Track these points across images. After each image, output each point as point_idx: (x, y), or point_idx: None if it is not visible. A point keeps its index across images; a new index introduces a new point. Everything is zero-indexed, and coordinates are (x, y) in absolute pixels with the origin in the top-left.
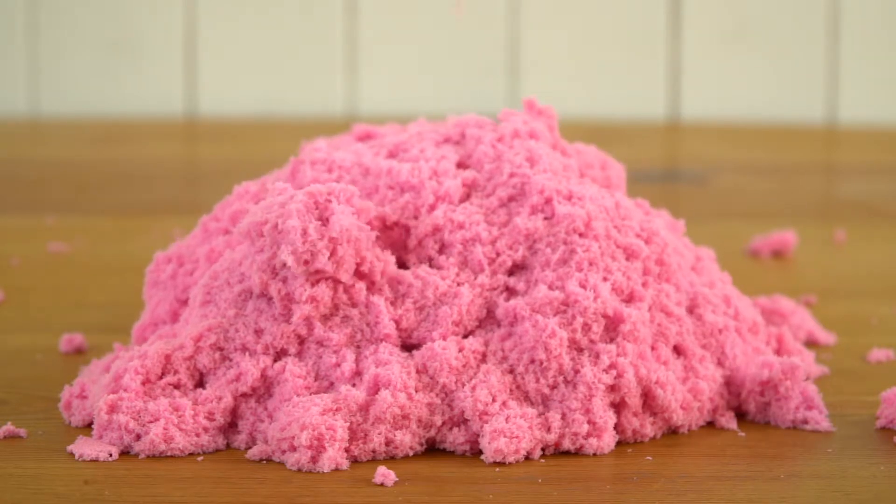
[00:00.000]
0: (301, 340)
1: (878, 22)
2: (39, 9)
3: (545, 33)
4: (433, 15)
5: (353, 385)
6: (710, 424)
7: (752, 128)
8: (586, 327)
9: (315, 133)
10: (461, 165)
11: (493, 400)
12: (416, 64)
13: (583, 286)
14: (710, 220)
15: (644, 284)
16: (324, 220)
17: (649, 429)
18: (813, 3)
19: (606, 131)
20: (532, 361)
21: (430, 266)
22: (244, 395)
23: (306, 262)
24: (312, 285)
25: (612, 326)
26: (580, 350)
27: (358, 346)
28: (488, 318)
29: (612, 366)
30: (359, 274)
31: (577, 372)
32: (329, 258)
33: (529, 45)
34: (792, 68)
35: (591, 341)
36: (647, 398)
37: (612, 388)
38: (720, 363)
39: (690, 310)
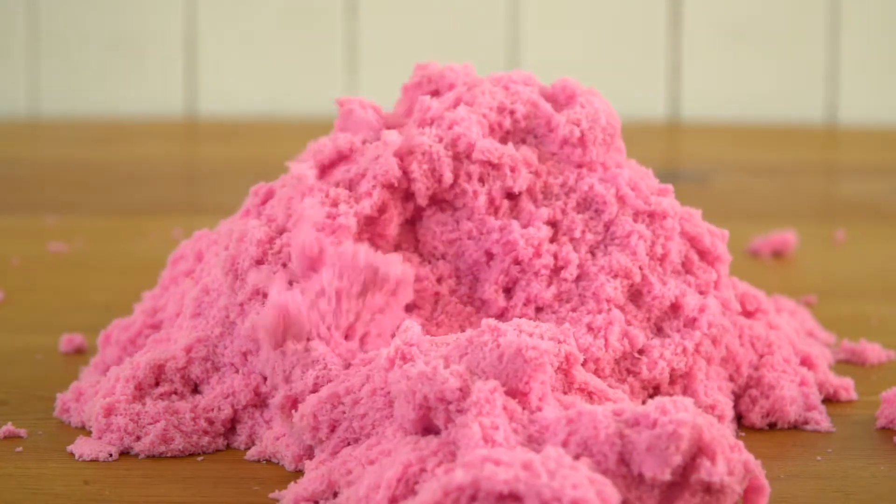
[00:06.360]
0: None
1: (878, 22)
2: (39, 9)
3: (545, 33)
4: (433, 15)
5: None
6: None
7: (752, 128)
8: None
9: (315, 133)
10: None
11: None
12: (415, 64)
13: (592, 331)
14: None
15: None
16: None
17: None
18: (813, 3)
19: None
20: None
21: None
22: (243, 407)
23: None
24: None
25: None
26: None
27: None
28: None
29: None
30: None
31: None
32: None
33: (529, 44)
34: (792, 68)
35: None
36: None
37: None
38: (731, 378)
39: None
